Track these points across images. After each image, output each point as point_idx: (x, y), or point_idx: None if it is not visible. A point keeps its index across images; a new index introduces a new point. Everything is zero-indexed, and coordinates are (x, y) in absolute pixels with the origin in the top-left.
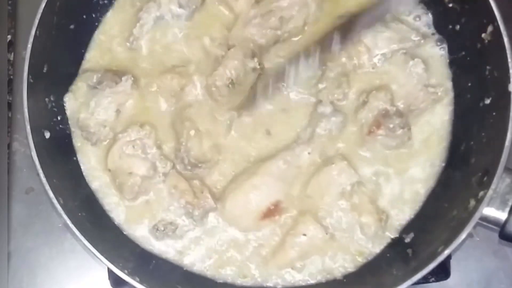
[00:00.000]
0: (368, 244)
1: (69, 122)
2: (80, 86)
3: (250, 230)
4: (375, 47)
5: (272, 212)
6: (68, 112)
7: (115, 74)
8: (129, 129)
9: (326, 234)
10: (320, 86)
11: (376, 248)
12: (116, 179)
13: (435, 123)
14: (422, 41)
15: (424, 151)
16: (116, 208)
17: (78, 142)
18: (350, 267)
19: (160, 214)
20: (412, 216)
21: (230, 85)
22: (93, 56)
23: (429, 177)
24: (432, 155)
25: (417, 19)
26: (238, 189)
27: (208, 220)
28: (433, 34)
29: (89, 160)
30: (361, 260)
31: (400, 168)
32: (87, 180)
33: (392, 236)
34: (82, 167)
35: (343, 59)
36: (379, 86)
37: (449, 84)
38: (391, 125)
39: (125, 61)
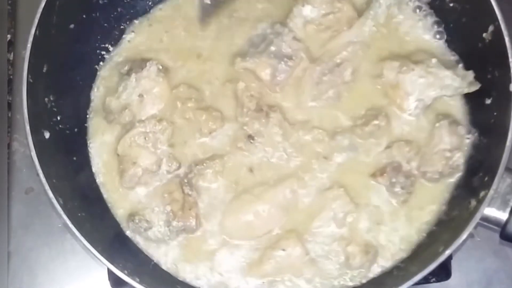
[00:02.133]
0: (349, 276)
1: (91, 106)
2: (111, 74)
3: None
4: (414, 92)
5: (266, 234)
6: (93, 99)
7: (143, 60)
8: (147, 120)
9: (306, 255)
10: (359, 121)
11: (356, 281)
12: (120, 165)
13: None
14: (466, 89)
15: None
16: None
17: (93, 129)
18: None
19: (143, 209)
20: (404, 257)
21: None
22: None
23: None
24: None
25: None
26: (240, 211)
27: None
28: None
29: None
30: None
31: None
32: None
33: (375, 275)
34: (91, 153)
35: (383, 102)
36: (409, 139)
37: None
38: (394, 180)
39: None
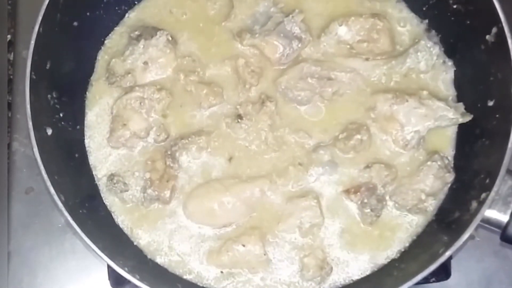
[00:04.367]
0: (300, 286)
1: (96, 69)
2: (122, 37)
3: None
4: (409, 123)
5: (225, 226)
6: (99, 59)
7: (154, 29)
8: (147, 86)
9: (264, 255)
10: (341, 136)
11: None
12: (111, 124)
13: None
14: (460, 119)
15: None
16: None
17: (95, 90)
18: None
19: (124, 171)
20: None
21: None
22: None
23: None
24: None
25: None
26: (206, 197)
27: (152, 207)
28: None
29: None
30: None
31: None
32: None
33: None
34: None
35: (378, 138)
36: (390, 164)
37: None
38: (365, 201)
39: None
